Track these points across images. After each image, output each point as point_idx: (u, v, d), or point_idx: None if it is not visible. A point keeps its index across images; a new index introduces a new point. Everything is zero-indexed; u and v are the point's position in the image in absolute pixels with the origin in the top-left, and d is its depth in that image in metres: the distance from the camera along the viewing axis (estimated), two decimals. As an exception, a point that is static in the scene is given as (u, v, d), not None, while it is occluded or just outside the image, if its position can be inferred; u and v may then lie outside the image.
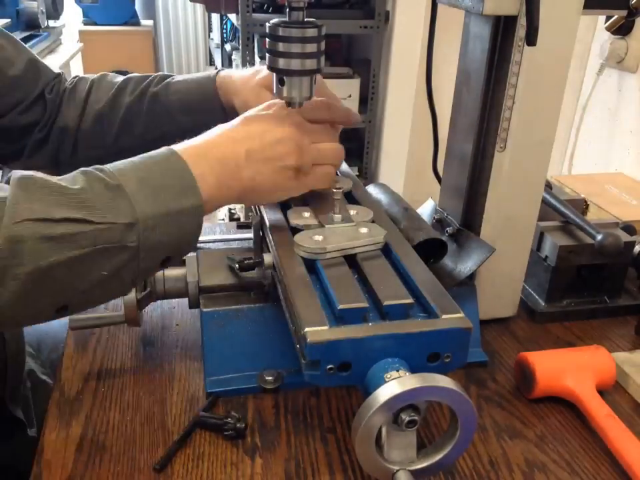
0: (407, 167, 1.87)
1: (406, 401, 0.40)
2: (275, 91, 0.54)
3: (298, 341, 0.44)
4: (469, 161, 0.63)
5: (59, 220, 0.40)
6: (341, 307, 0.44)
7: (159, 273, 0.59)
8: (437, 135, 0.72)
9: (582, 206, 0.84)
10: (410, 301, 0.45)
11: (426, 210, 0.72)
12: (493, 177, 0.61)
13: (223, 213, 2.54)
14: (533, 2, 0.50)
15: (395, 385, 0.39)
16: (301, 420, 0.54)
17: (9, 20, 1.80)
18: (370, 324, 0.44)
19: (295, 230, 0.53)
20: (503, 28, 0.56)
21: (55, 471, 0.48)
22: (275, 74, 0.52)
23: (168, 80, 0.70)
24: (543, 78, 0.57)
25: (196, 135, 0.50)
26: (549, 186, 0.77)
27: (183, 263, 0.60)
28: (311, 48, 0.49)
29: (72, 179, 0.43)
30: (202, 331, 0.56)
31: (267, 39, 0.50)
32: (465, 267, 0.61)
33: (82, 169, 0.45)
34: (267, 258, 0.54)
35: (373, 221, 0.55)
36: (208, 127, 0.52)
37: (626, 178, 1.02)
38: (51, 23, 2.21)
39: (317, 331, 0.41)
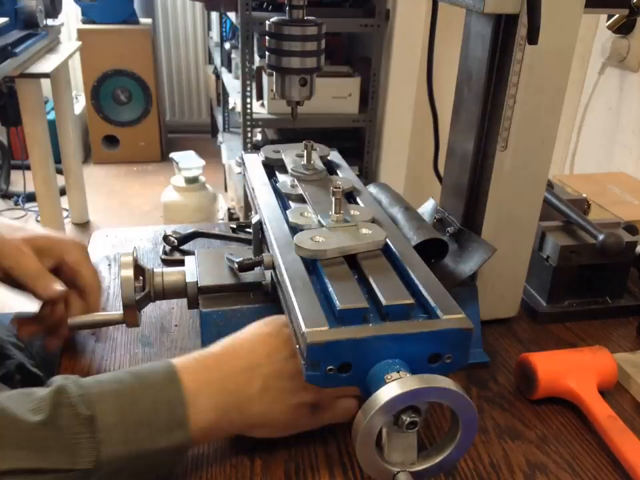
0: (407, 166, 1.87)
1: (406, 402, 0.39)
2: (275, 90, 0.53)
3: (298, 341, 0.43)
4: (470, 160, 0.62)
5: (2, 473, 0.35)
6: (340, 307, 0.43)
7: (158, 274, 0.59)
8: (438, 134, 0.72)
9: (584, 206, 0.84)
10: (410, 301, 0.45)
11: (427, 209, 0.72)
12: (494, 176, 0.61)
13: (222, 212, 2.54)
14: (534, 1, 0.50)
15: (395, 386, 0.39)
16: (301, 421, 0.54)
17: (7, 19, 1.79)
18: (370, 325, 0.43)
19: (295, 230, 0.53)
20: (504, 26, 0.56)
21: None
22: (275, 72, 0.52)
23: None
24: (545, 77, 0.57)
25: None
26: (550, 185, 0.76)
27: (182, 263, 0.60)
28: (311, 46, 0.49)
29: (39, 401, 0.38)
30: (201, 331, 0.56)
31: (267, 37, 0.50)
32: (466, 267, 0.61)
33: (59, 383, 0.40)
34: (267, 258, 0.54)
35: (373, 221, 0.54)
36: None
37: (628, 177, 1.02)
38: (50, 21, 2.20)
39: (317, 332, 0.41)
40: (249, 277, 0.59)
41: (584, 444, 0.53)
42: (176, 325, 0.66)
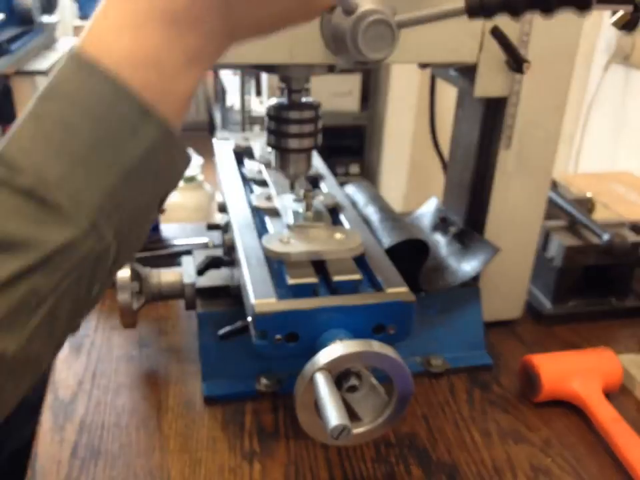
0: (409, 165, 1.86)
1: (344, 364, 0.42)
2: (274, 166, 0.54)
3: (248, 313, 0.46)
4: (473, 159, 0.61)
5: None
6: (291, 282, 0.46)
7: (155, 275, 0.58)
8: (434, 105, 0.71)
9: (588, 205, 0.83)
10: (358, 276, 0.47)
11: (429, 209, 0.71)
12: (497, 175, 0.60)
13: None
14: (505, 44, 0.50)
15: (335, 347, 0.42)
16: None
17: (2, 15, 1.78)
18: (318, 298, 0.46)
19: (259, 214, 0.56)
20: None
21: (49, 476, 0.47)
22: (275, 150, 0.54)
23: None
24: (549, 74, 0.56)
25: None
26: (554, 185, 0.76)
27: (179, 264, 0.59)
28: (309, 128, 0.51)
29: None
30: (198, 333, 0.55)
31: (266, 119, 0.52)
32: (469, 267, 0.60)
33: None
34: (227, 239, 0.57)
35: (336, 206, 0.57)
36: None
37: (633, 177, 1.01)
38: (46, 18, 2.18)
39: (265, 303, 0.44)
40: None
41: (588, 447, 0.52)
42: (173, 326, 0.65)
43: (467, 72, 0.55)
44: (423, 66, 0.60)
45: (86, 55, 0.28)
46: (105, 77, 0.28)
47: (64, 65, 0.29)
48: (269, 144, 0.52)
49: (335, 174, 0.70)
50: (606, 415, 0.52)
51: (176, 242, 0.79)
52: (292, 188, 0.55)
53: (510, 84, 0.55)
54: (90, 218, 0.28)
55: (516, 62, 0.51)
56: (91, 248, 0.28)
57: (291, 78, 0.50)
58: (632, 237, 0.67)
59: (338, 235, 0.51)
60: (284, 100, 0.50)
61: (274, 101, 0.51)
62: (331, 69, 0.50)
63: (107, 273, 0.31)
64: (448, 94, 0.71)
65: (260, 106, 2.06)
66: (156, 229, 0.83)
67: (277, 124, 0.50)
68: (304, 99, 0.50)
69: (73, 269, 0.28)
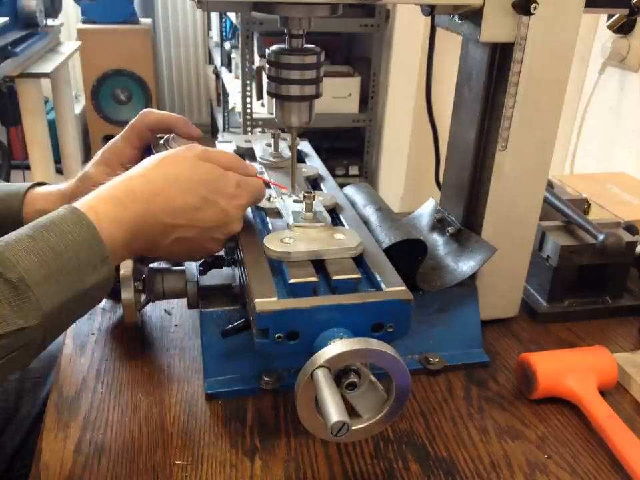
0: (407, 166, 1.87)
1: (344, 361, 0.42)
2: (275, 116, 0.54)
3: (250, 313, 0.47)
4: (470, 160, 0.62)
5: None
6: (291, 281, 0.46)
7: (158, 274, 0.59)
8: (439, 148, 0.72)
9: (584, 206, 0.84)
10: (357, 275, 0.48)
11: (427, 209, 0.72)
12: (494, 176, 0.61)
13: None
14: None
15: (334, 345, 0.42)
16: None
17: (7, 19, 1.79)
18: (318, 297, 0.46)
19: (260, 213, 0.57)
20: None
21: (53, 472, 0.48)
22: (275, 99, 0.53)
23: None
24: (545, 77, 0.57)
25: None
26: (550, 185, 0.76)
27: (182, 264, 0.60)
28: (310, 74, 0.50)
29: None
30: (201, 331, 0.56)
31: (267, 66, 0.51)
32: (467, 267, 0.61)
33: None
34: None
35: (335, 207, 0.58)
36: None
37: (628, 177, 1.02)
38: (50, 21, 2.20)
39: (266, 302, 0.45)
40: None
41: (584, 444, 0.53)
42: (176, 325, 0.66)
43: (473, 17, 0.53)
44: (428, 13, 0.58)
45: (83, 213, 0.43)
46: (90, 229, 0.43)
47: (66, 213, 0.43)
48: (268, 92, 0.51)
49: (335, 175, 0.71)
50: (601, 411, 0.53)
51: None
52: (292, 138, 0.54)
53: (516, 28, 0.53)
54: (42, 318, 0.39)
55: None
56: (30, 339, 0.39)
57: (291, 20, 0.48)
58: (627, 237, 0.67)
59: (337, 235, 0.51)
60: (285, 45, 0.49)
61: (275, 46, 0.50)
62: (333, 9, 0.48)
63: (19, 360, 0.40)
64: (447, 96, 0.72)
65: (261, 108, 2.07)
66: None
67: (277, 70, 0.48)
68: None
69: (11, 352, 0.39)
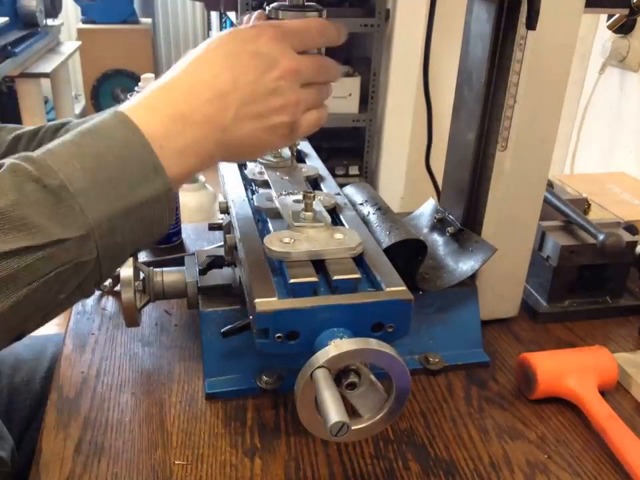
0: (407, 166, 1.87)
1: (343, 362, 0.42)
2: None
3: (250, 313, 0.47)
4: (470, 160, 0.62)
5: None
6: (292, 281, 0.46)
7: (158, 274, 0.59)
8: (432, 130, 0.71)
9: (584, 205, 0.84)
10: (357, 275, 0.48)
11: (426, 209, 0.72)
12: (494, 176, 0.61)
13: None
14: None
15: (334, 345, 0.42)
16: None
17: (7, 18, 1.79)
18: (318, 297, 0.46)
19: (260, 213, 0.57)
20: (504, 26, 0.56)
21: (53, 472, 0.48)
22: None
23: (61, 131, 0.60)
24: (545, 77, 0.57)
25: None
26: (550, 185, 0.76)
27: (181, 264, 0.60)
28: None
29: None
30: (201, 331, 0.56)
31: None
32: (467, 267, 0.61)
33: (8, 162, 0.35)
34: (230, 239, 0.57)
35: (335, 206, 0.58)
36: None
37: (628, 177, 1.02)
38: (50, 21, 2.20)
39: (266, 302, 0.45)
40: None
41: (584, 444, 0.53)
42: (176, 325, 0.66)
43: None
44: None
45: (126, 115, 0.38)
46: (137, 133, 0.37)
47: (108, 117, 0.38)
48: None
49: (335, 175, 0.71)
50: (601, 411, 0.53)
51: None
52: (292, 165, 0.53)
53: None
54: (87, 229, 0.35)
55: (530, 16, 0.49)
56: (77, 255, 0.35)
57: None
58: (626, 237, 0.67)
59: (337, 235, 0.51)
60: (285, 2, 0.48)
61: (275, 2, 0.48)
62: None
63: (74, 288, 0.37)
64: (446, 97, 0.72)
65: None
66: (178, 233, 0.84)
67: None
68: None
69: (57, 267, 0.35)
